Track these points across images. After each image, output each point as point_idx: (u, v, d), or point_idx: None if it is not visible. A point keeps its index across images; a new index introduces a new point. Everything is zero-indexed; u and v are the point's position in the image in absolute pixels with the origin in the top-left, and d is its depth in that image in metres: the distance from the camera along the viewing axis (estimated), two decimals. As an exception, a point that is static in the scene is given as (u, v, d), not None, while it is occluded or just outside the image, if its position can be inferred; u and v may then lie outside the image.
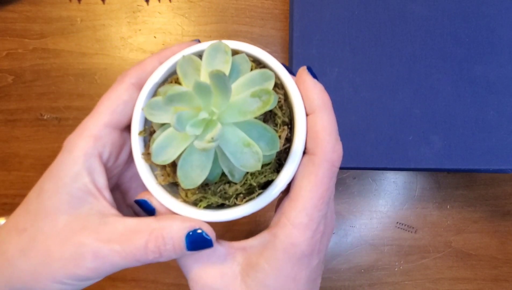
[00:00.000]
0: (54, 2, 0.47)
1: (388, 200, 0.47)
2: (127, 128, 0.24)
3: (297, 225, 0.21)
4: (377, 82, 0.40)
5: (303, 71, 0.22)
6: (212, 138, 0.18)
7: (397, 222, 0.47)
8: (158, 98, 0.21)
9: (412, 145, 0.39)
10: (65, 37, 0.47)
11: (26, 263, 0.21)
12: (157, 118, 0.21)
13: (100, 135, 0.22)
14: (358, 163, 0.39)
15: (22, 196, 0.46)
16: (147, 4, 0.47)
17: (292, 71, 0.23)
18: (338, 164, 0.22)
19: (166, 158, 0.20)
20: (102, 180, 0.22)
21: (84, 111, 0.46)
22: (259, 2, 0.47)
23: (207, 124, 0.19)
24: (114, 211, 0.22)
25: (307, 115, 0.22)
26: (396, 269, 0.46)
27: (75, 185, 0.21)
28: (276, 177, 0.22)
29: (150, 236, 0.20)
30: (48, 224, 0.21)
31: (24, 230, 0.21)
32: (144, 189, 0.23)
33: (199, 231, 0.21)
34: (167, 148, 0.20)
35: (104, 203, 0.22)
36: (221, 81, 0.18)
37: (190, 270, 0.22)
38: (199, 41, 0.24)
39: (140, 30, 0.47)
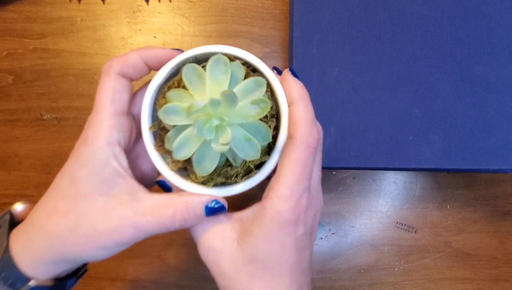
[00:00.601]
0: (54, 2, 0.47)
1: (388, 200, 0.47)
2: (128, 112, 0.28)
3: (281, 197, 0.24)
4: (377, 82, 0.40)
5: (286, 72, 0.26)
6: (227, 143, 0.23)
7: (397, 222, 0.47)
8: (172, 105, 0.25)
9: (412, 145, 0.39)
10: (65, 37, 0.47)
11: (77, 238, 0.25)
12: (170, 121, 0.25)
13: (113, 125, 0.25)
14: (358, 163, 0.39)
15: (22, 196, 0.46)
16: (147, 4, 0.47)
17: (280, 71, 0.28)
18: (314, 145, 0.25)
19: (185, 154, 0.25)
20: (125, 163, 0.26)
21: (84, 111, 0.46)
22: (259, 2, 0.47)
23: (217, 127, 0.24)
24: (140, 187, 0.26)
25: (289, 107, 0.26)
26: (396, 269, 0.46)
27: (106, 170, 0.25)
28: (267, 159, 0.26)
29: (176, 209, 0.25)
30: (89, 206, 0.25)
31: (67, 212, 0.25)
32: (148, 164, 0.28)
33: (213, 203, 0.26)
34: (185, 147, 0.24)
35: (131, 181, 0.26)
36: (231, 99, 0.23)
37: (199, 236, 0.27)
38: (182, 51, 0.27)
39: (140, 30, 0.47)
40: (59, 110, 0.46)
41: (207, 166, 0.25)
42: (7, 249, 0.26)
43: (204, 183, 0.27)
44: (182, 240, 0.46)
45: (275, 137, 0.26)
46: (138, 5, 0.47)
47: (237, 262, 0.26)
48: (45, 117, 0.46)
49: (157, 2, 0.47)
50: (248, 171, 0.27)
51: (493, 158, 0.39)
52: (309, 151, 0.25)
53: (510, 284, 0.46)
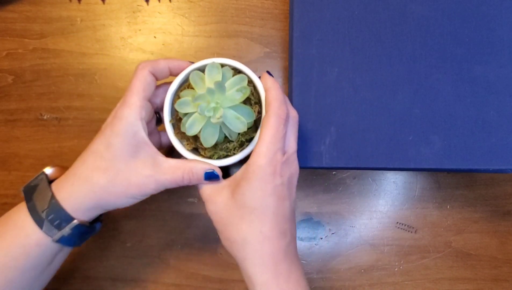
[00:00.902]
0: (54, 2, 0.47)
1: (388, 200, 0.47)
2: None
3: (260, 154, 0.32)
4: (377, 82, 0.40)
5: (264, 72, 0.36)
6: (220, 117, 0.32)
7: (397, 222, 0.47)
8: (183, 99, 0.34)
9: (412, 145, 0.39)
10: (65, 37, 0.47)
11: (115, 188, 0.34)
12: (183, 110, 0.34)
13: (142, 105, 0.34)
14: (358, 163, 0.39)
15: (22, 196, 0.46)
16: (147, 4, 0.47)
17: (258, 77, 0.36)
18: (283, 116, 0.33)
19: (194, 131, 0.34)
20: (147, 134, 0.34)
21: (84, 111, 0.46)
22: (259, 2, 0.47)
23: (214, 109, 0.33)
24: (158, 153, 0.35)
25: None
26: (396, 269, 0.46)
27: (136, 139, 0.33)
28: (255, 135, 0.35)
29: (184, 171, 0.35)
30: (123, 165, 0.33)
31: (107, 169, 0.33)
32: (152, 139, 0.38)
33: (211, 170, 0.35)
34: (194, 125, 0.34)
35: (153, 148, 0.35)
36: (221, 86, 0.33)
37: (206, 195, 0.35)
38: (193, 63, 0.37)
39: (140, 30, 0.47)
40: (59, 110, 0.46)
41: (210, 139, 0.34)
42: (52, 197, 0.33)
43: (210, 157, 0.36)
44: (182, 240, 0.46)
45: (260, 118, 0.35)
46: (138, 5, 0.47)
47: (231, 209, 0.34)
48: (45, 117, 0.46)
49: (157, 2, 0.47)
50: (242, 145, 0.36)
51: (493, 158, 0.39)
52: (279, 120, 0.33)
53: (510, 284, 0.46)
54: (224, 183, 0.35)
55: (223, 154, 0.36)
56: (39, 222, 0.33)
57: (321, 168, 0.44)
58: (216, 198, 0.35)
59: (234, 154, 0.36)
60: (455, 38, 0.40)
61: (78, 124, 0.46)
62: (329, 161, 0.40)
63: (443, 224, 0.47)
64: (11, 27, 0.47)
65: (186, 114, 0.34)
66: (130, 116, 0.33)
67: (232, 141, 0.36)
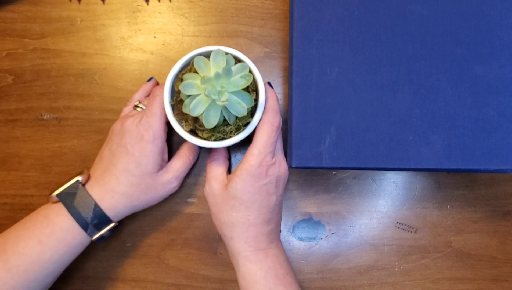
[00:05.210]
0: (54, 2, 0.47)
1: (388, 200, 0.47)
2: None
3: (253, 155, 0.38)
4: (377, 82, 0.40)
5: (265, 83, 0.39)
6: (226, 100, 0.34)
7: (397, 222, 0.47)
8: (188, 81, 0.35)
9: (412, 145, 0.39)
10: (65, 37, 0.47)
11: (146, 197, 0.40)
12: (188, 92, 0.35)
13: (165, 129, 0.40)
14: (358, 163, 0.39)
15: (22, 196, 0.46)
16: (147, 4, 0.47)
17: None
18: (276, 124, 0.38)
19: (198, 112, 0.35)
20: (167, 151, 0.42)
21: (84, 111, 0.46)
22: (259, 2, 0.47)
23: (219, 92, 0.34)
24: (165, 162, 0.42)
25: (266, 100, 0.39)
26: (396, 269, 0.46)
27: (160, 158, 0.40)
28: (251, 120, 0.38)
29: (185, 154, 0.43)
30: (151, 179, 0.40)
31: (139, 184, 0.39)
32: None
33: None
34: (198, 107, 0.35)
35: (166, 162, 0.42)
36: (228, 72, 0.35)
37: (209, 173, 0.41)
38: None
39: (140, 30, 0.47)
40: (59, 110, 0.46)
41: (212, 120, 0.36)
42: (96, 206, 0.38)
43: (208, 138, 0.38)
44: (182, 240, 0.46)
45: (256, 105, 0.38)
46: (138, 5, 0.47)
47: (224, 198, 0.39)
48: (45, 117, 0.46)
49: (157, 2, 0.47)
50: (238, 129, 0.38)
51: (493, 158, 0.39)
52: (272, 128, 0.38)
53: (510, 284, 0.46)
54: (224, 174, 0.41)
55: (220, 137, 0.38)
56: (84, 226, 0.38)
57: (321, 168, 0.44)
58: (214, 183, 0.40)
59: (230, 137, 0.38)
60: (455, 38, 0.40)
61: (78, 124, 0.46)
62: (329, 161, 0.40)
63: (443, 224, 0.47)
64: (11, 27, 0.47)
65: (189, 95, 0.36)
66: (157, 139, 0.39)
67: (230, 125, 0.38)
